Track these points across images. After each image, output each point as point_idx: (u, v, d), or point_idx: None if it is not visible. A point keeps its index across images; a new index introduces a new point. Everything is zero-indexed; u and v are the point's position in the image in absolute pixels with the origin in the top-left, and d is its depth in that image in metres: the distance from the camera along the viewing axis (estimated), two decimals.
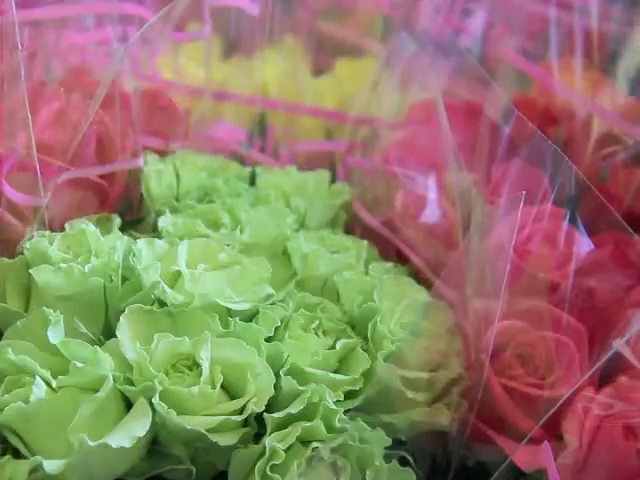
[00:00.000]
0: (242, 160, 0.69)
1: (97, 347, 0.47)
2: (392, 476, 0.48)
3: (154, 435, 0.48)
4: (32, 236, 0.54)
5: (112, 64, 0.57)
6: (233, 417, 0.47)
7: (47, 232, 0.54)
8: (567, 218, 0.55)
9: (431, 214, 0.61)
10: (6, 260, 0.53)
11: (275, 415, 0.47)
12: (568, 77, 0.70)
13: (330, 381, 0.49)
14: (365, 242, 0.60)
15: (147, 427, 0.45)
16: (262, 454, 0.46)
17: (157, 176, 0.62)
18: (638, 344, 0.50)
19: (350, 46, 0.81)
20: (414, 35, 0.68)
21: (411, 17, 0.74)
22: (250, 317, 0.52)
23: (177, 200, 0.62)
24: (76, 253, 0.52)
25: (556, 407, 0.48)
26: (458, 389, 0.52)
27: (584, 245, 0.55)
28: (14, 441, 0.46)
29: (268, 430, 0.47)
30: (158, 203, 0.61)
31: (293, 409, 0.47)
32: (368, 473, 0.47)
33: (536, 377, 0.52)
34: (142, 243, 0.53)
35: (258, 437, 0.48)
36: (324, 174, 0.66)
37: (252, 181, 0.65)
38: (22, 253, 0.53)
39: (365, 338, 0.53)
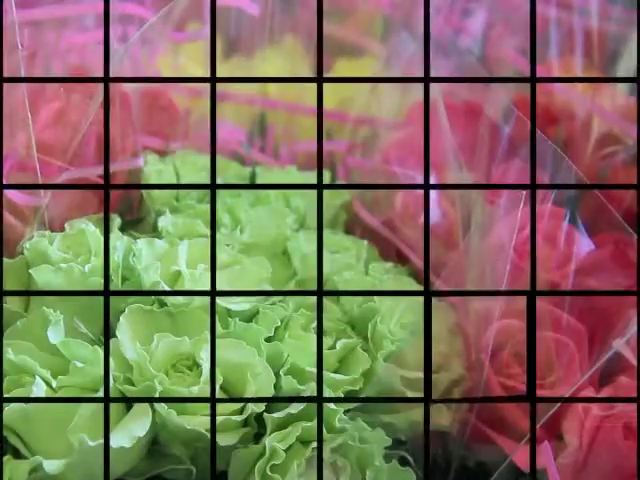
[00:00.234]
0: (242, 160, 0.69)
1: (97, 347, 0.47)
2: (392, 476, 0.48)
3: (154, 435, 0.47)
4: (32, 236, 0.54)
5: (112, 64, 0.56)
6: (233, 417, 0.47)
7: (47, 232, 0.54)
8: (567, 218, 0.55)
9: (431, 214, 0.61)
10: (6, 260, 0.53)
11: (275, 415, 0.47)
12: None
13: (330, 381, 0.49)
14: (365, 242, 0.60)
15: (147, 427, 0.45)
16: (262, 454, 0.46)
17: (157, 176, 0.62)
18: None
19: (350, 46, 0.81)
20: (414, 35, 0.68)
21: (411, 17, 0.74)
22: (250, 317, 0.52)
23: (177, 200, 0.62)
24: (76, 253, 0.52)
25: (556, 407, 0.48)
26: (459, 390, 0.52)
27: (584, 245, 0.55)
28: (14, 441, 0.46)
29: (268, 430, 0.47)
30: (158, 203, 0.61)
31: (293, 409, 0.47)
32: (368, 473, 0.47)
33: (536, 377, 0.52)
34: (142, 243, 0.53)
35: (258, 437, 0.48)
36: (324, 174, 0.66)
37: (252, 181, 0.65)
38: (22, 253, 0.53)
39: (365, 338, 0.53)
